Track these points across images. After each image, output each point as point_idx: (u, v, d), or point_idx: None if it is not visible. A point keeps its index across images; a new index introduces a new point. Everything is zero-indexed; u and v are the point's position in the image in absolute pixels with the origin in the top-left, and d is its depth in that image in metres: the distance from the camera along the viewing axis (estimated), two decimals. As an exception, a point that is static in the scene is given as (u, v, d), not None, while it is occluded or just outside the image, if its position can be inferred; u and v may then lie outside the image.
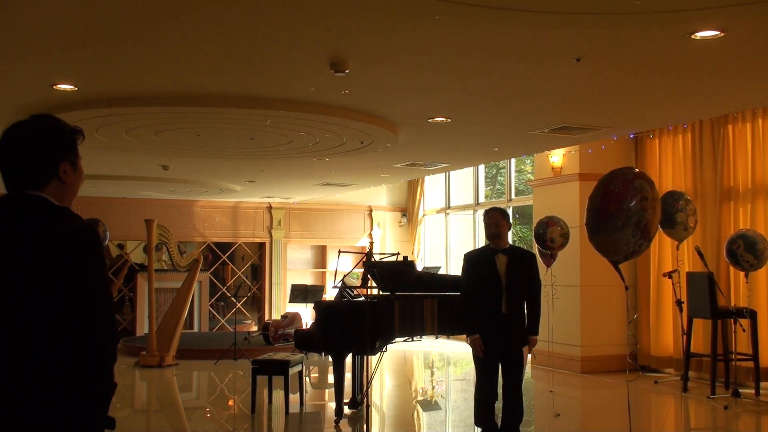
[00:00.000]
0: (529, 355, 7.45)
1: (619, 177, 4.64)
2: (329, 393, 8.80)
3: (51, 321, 1.96)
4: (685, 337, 8.54)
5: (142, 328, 13.62)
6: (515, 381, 5.49)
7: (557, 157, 10.23)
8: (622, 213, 4.46)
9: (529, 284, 5.53)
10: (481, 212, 14.04)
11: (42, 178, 2.07)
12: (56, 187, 2.10)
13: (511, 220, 5.84)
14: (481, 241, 14.00)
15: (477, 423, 5.73)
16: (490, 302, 5.40)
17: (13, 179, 2.09)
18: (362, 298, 7.05)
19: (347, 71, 5.20)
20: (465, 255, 5.75)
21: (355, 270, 9.57)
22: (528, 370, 10.61)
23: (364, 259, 6.92)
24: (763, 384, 8.03)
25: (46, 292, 1.95)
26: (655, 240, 9.67)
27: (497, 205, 13.96)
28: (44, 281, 1.96)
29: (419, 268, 12.25)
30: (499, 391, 5.63)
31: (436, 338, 11.78)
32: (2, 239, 1.99)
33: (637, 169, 5.08)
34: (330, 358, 7.56)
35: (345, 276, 7.94)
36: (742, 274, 7.97)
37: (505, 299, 5.41)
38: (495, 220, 5.54)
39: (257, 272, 15.67)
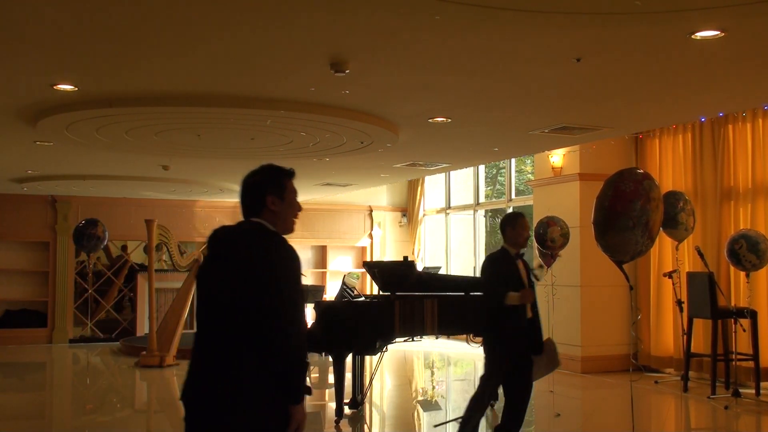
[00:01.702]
0: None
1: (628, 177, 4.65)
2: (329, 393, 8.79)
3: (257, 309, 2.68)
4: (685, 337, 8.54)
5: (143, 328, 13.62)
6: (530, 383, 5.44)
7: (557, 157, 10.23)
8: (633, 213, 4.47)
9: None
10: (481, 212, 14.05)
11: (256, 208, 2.90)
12: (268, 215, 2.90)
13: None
14: (481, 242, 14.01)
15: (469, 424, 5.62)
16: (517, 307, 5.36)
17: (243, 210, 2.95)
18: (362, 298, 7.05)
19: (348, 71, 5.20)
20: (490, 257, 5.56)
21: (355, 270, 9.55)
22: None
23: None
24: (763, 384, 8.03)
25: (256, 288, 2.69)
26: (656, 240, 9.70)
27: (497, 206, 14.03)
28: (255, 280, 2.70)
29: (419, 268, 12.25)
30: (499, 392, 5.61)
31: (437, 338, 11.76)
32: (232, 250, 2.83)
33: (641, 170, 5.08)
34: (330, 358, 7.56)
35: (345, 276, 7.93)
36: (742, 274, 7.97)
37: (529, 304, 5.38)
38: (527, 226, 5.50)
39: (257, 272, 15.65)
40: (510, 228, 5.39)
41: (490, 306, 5.50)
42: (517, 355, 5.32)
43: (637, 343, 9.76)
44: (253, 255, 2.77)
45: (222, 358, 2.72)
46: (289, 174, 3.05)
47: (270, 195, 2.92)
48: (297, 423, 2.76)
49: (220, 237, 2.91)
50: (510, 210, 13.00)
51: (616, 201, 4.55)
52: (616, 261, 4.95)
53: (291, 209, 2.98)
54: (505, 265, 5.40)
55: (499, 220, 15.00)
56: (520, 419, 5.39)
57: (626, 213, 4.49)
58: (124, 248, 14.80)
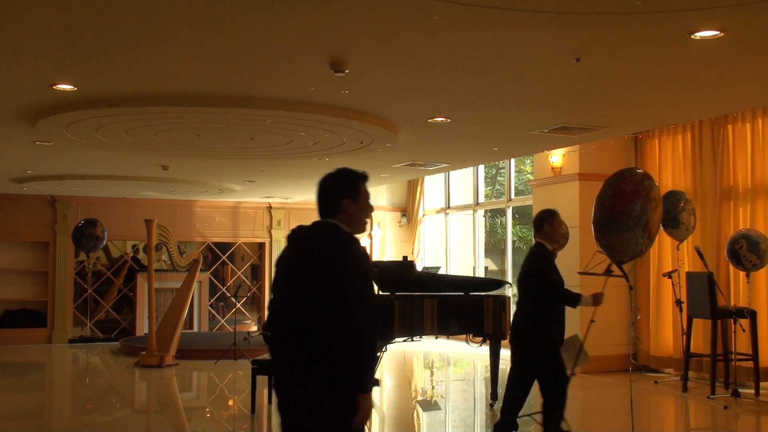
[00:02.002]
0: None
1: (629, 177, 4.65)
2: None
3: (331, 306, 2.95)
4: (684, 337, 8.54)
5: (142, 328, 13.63)
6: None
7: (557, 157, 10.23)
8: (633, 213, 4.47)
9: None
10: (481, 212, 14.05)
11: (332, 210, 3.13)
12: (343, 216, 3.12)
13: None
14: (481, 241, 14.01)
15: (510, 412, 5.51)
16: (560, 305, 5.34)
17: (319, 211, 3.19)
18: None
19: (347, 71, 5.20)
20: (538, 254, 5.42)
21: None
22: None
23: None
24: (762, 384, 8.04)
25: (332, 286, 2.96)
26: (655, 240, 9.70)
27: (497, 206, 14.03)
28: (330, 279, 2.97)
29: (419, 268, 12.25)
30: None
31: (436, 338, 11.77)
32: (309, 248, 3.10)
33: (641, 170, 5.08)
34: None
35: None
36: (741, 274, 7.97)
37: None
38: (563, 222, 5.47)
39: (257, 272, 15.67)
40: (548, 224, 5.36)
41: (559, 304, 5.42)
42: (557, 348, 5.33)
43: (637, 344, 9.76)
44: (330, 256, 3.04)
45: (299, 349, 3.00)
46: (364, 177, 3.23)
47: (345, 198, 3.14)
48: (364, 412, 2.94)
49: (299, 236, 3.18)
50: (509, 210, 13.00)
51: (617, 201, 4.55)
52: (616, 261, 4.95)
53: (365, 211, 3.20)
54: (552, 263, 5.38)
55: (499, 221, 15.02)
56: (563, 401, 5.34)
57: (627, 213, 4.50)
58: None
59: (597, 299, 5.28)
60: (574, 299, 5.26)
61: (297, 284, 3.07)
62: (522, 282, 5.45)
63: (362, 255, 3.07)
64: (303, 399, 2.98)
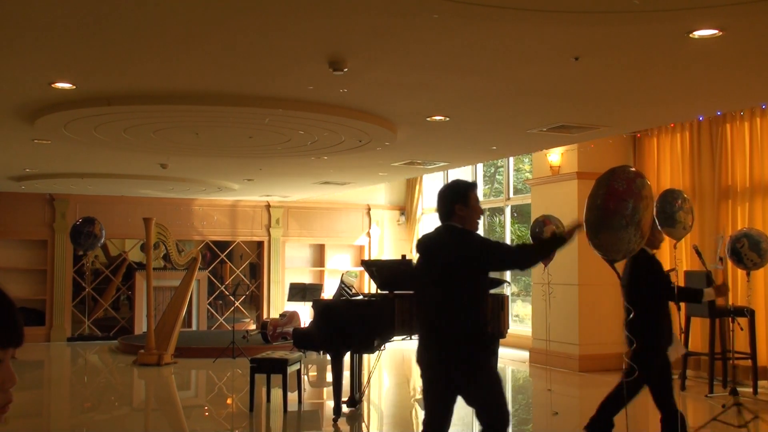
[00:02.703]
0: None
1: (621, 175, 4.65)
2: (327, 391, 8.81)
3: (468, 275, 3.92)
4: (683, 335, 8.55)
5: (141, 326, 13.63)
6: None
7: (555, 155, 10.23)
8: (626, 211, 4.47)
9: None
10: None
11: (448, 214, 3.99)
12: (457, 219, 3.98)
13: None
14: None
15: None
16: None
17: (439, 216, 4.09)
18: (360, 297, 7.05)
19: (346, 70, 5.20)
20: (647, 255, 5.65)
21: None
22: (526, 368, 10.63)
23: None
24: (761, 383, 8.05)
25: (461, 263, 3.90)
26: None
27: (495, 205, 14.02)
28: (459, 260, 3.91)
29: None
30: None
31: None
32: (440, 244, 4.00)
33: (633, 168, 5.09)
34: (328, 357, 7.57)
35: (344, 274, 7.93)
36: (739, 272, 7.98)
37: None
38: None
39: (256, 271, 15.67)
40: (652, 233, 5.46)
41: (680, 300, 5.66)
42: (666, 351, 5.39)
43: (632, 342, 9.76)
44: (452, 245, 3.93)
45: (447, 327, 3.89)
46: (473, 186, 4.09)
47: (457, 203, 3.96)
48: (580, 224, 4.32)
49: (423, 240, 4.12)
50: (508, 209, 13.01)
51: (610, 199, 4.55)
52: (608, 260, 4.96)
53: (475, 213, 4.03)
54: None
55: (498, 219, 15.04)
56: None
57: (620, 212, 4.50)
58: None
59: (720, 290, 5.41)
60: (698, 294, 5.52)
61: (435, 275, 3.94)
62: (631, 288, 5.56)
63: (478, 236, 4.02)
64: (459, 355, 3.85)
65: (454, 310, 3.87)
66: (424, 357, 4.00)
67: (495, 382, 3.96)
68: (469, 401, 3.96)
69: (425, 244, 4.07)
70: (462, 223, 3.95)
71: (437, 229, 4.05)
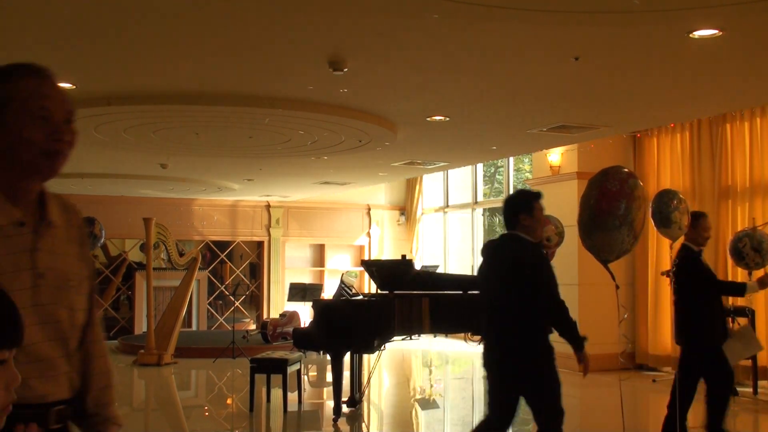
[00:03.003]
0: None
1: (614, 176, 4.65)
2: (327, 391, 8.80)
3: (524, 289, 3.98)
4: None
5: (141, 326, 13.61)
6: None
7: (555, 155, 10.23)
8: (619, 212, 4.48)
9: None
10: (479, 210, 14.06)
11: (513, 223, 4.05)
12: (521, 228, 4.02)
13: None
14: (479, 240, 13.99)
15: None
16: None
17: (505, 224, 4.13)
18: (360, 297, 7.05)
19: (346, 70, 5.20)
20: (693, 252, 5.74)
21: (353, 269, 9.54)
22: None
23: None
24: (761, 383, 8.05)
25: (521, 276, 3.97)
26: (653, 239, 9.71)
27: (495, 204, 14.02)
28: (519, 272, 3.98)
29: (417, 266, 12.25)
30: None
31: (434, 337, 11.79)
32: (502, 254, 4.12)
33: (626, 168, 5.09)
34: (328, 357, 7.57)
35: (343, 274, 7.93)
36: (739, 272, 7.98)
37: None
38: (708, 226, 5.76)
39: (256, 271, 15.67)
40: (691, 227, 5.66)
41: (726, 294, 5.80)
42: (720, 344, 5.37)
43: (626, 343, 9.76)
44: (511, 259, 4.03)
45: (507, 332, 4.04)
46: (537, 196, 4.09)
47: (522, 213, 4.01)
48: (586, 362, 4.25)
49: (489, 247, 4.25)
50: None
51: (603, 200, 4.55)
52: (602, 260, 4.96)
53: (539, 223, 4.08)
54: None
55: (497, 219, 15.02)
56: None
57: (612, 212, 4.50)
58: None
59: (763, 283, 5.39)
60: (741, 288, 5.56)
61: (495, 282, 4.10)
62: (680, 284, 5.69)
63: (540, 254, 4.09)
64: (513, 364, 4.03)
65: (515, 317, 4.02)
66: (488, 359, 4.15)
67: (555, 385, 4.17)
68: (530, 402, 4.13)
69: (489, 251, 4.21)
70: (526, 233, 4.02)
71: (502, 237, 4.20)
